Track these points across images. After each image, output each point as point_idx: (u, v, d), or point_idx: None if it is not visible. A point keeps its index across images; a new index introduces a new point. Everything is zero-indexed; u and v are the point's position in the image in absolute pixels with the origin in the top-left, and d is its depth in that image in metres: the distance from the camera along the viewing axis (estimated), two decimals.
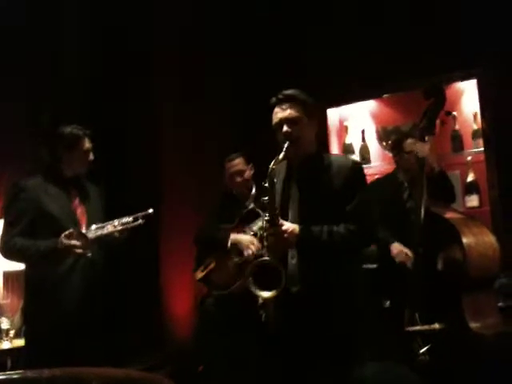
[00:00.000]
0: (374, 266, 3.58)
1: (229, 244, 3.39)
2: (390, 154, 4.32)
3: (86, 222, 3.02)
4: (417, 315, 2.91)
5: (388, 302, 3.57)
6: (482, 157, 3.92)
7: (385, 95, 4.39)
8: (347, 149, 4.59)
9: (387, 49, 4.12)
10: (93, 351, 2.84)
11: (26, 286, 3.03)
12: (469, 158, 4.06)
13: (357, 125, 4.62)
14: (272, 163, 2.38)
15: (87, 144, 3.08)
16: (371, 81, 4.17)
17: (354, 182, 2.47)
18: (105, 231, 2.93)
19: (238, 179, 3.60)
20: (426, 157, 3.09)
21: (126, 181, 4.46)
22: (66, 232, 2.81)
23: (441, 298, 2.90)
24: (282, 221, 2.37)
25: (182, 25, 4.79)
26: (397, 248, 3.27)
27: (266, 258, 2.31)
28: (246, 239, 3.34)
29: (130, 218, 2.97)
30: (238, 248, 3.37)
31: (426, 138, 3.13)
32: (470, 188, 4.04)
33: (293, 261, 2.44)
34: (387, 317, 3.36)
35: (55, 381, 1.57)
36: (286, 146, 2.42)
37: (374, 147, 4.53)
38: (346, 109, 4.65)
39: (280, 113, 2.50)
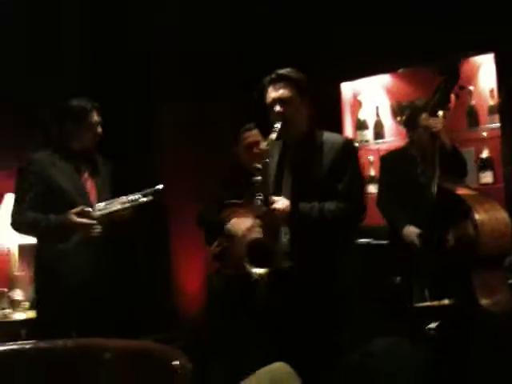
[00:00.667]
0: (384, 242, 3.58)
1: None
2: (405, 130, 4.30)
3: (96, 195, 3.00)
4: (426, 291, 2.90)
5: (398, 279, 3.57)
6: (498, 133, 3.86)
7: (400, 70, 4.33)
8: (361, 124, 4.55)
9: (402, 23, 4.03)
10: (104, 324, 2.85)
11: (36, 258, 3.04)
12: (484, 134, 4.00)
13: (371, 100, 4.56)
14: (265, 143, 2.42)
15: (95, 117, 3.02)
16: (386, 55, 4.09)
17: (345, 160, 2.48)
18: (112, 208, 2.90)
19: (256, 150, 3.55)
20: (438, 132, 3.06)
21: (129, 159, 4.44)
22: (77, 209, 2.80)
23: (450, 274, 2.88)
24: (274, 197, 2.40)
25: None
26: (408, 229, 3.28)
27: (259, 236, 2.39)
28: (243, 227, 3.34)
29: (139, 195, 2.94)
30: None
31: (441, 113, 3.10)
32: (485, 164, 3.98)
33: (285, 237, 2.48)
34: (397, 293, 3.36)
35: (68, 351, 1.60)
36: (278, 126, 2.44)
37: (388, 123, 4.49)
38: (360, 83, 4.59)
39: (273, 92, 2.50)
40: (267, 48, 4.53)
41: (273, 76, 2.52)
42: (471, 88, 3.98)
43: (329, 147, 2.49)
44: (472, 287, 2.82)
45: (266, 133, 3.55)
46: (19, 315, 3.67)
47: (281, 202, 2.39)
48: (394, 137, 4.44)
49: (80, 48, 4.39)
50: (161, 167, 4.69)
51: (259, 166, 2.38)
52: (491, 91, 3.96)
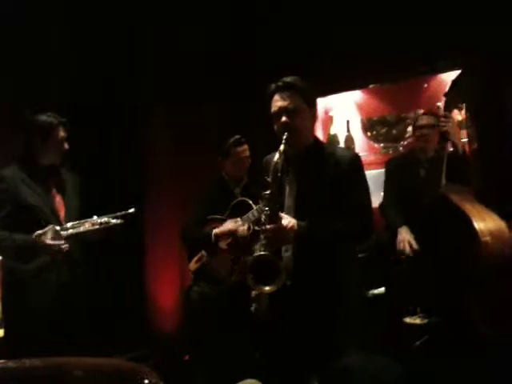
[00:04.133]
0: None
1: (212, 239, 3.38)
2: (375, 145, 4.37)
3: (64, 212, 2.98)
4: (418, 309, 2.88)
5: (383, 289, 3.55)
6: (466, 147, 3.93)
7: (370, 85, 4.40)
8: (332, 139, 4.60)
9: (374, 40, 4.11)
10: (76, 343, 2.81)
11: (3, 276, 2.99)
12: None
13: (342, 115, 4.62)
14: (276, 157, 2.27)
15: (62, 133, 2.99)
16: (357, 71, 4.16)
17: (352, 175, 2.37)
18: (81, 229, 2.87)
19: (247, 164, 3.56)
20: (449, 132, 2.98)
21: (108, 172, 4.41)
22: (41, 231, 2.76)
23: (445, 289, 2.80)
24: (281, 214, 2.30)
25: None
26: (402, 235, 3.25)
27: (263, 252, 2.26)
28: (228, 226, 3.35)
29: (110, 218, 2.92)
30: (225, 238, 3.37)
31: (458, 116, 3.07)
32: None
33: (287, 254, 2.40)
34: (380, 306, 3.34)
35: (36, 370, 1.57)
36: (285, 137, 2.31)
37: (359, 138, 4.54)
38: (331, 99, 4.65)
39: (280, 101, 2.36)
40: (242, 67, 4.56)
41: (279, 84, 2.38)
42: (439, 104, 4.05)
43: (335, 161, 2.37)
44: (465, 304, 2.74)
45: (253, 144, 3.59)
46: None
47: (289, 220, 2.28)
48: (364, 151, 4.49)
49: (67, 50, 4.33)
50: (138, 180, 4.67)
51: (269, 179, 2.28)
52: (459, 108, 4.04)
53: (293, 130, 2.34)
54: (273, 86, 2.40)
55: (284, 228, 2.26)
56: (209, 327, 3.48)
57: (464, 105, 3.87)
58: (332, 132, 4.61)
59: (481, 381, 2.59)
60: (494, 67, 3.73)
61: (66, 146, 3.02)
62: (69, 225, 2.86)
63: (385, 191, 3.65)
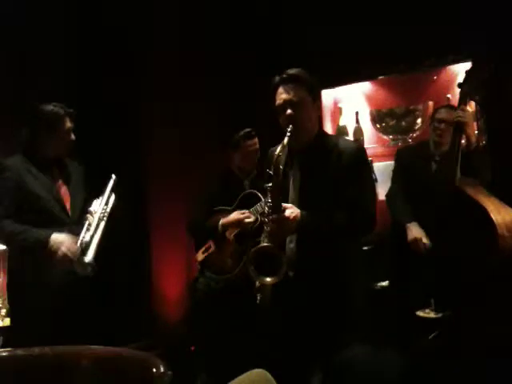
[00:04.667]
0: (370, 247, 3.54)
1: (220, 229, 3.38)
2: (384, 137, 4.34)
3: (70, 202, 2.98)
4: (432, 301, 2.84)
5: (386, 282, 3.53)
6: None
7: (380, 77, 4.37)
8: (341, 131, 4.57)
9: (383, 31, 4.07)
10: (82, 332, 2.82)
11: (9, 265, 3.01)
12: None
13: (351, 107, 4.59)
14: (278, 150, 2.27)
15: (68, 123, 2.97)
16: (366, 62, 4.13)
17: (356, 167, 2.37)
18: (95, 243, 2.78)
19: (256, 157, 3.57)
20: (464, 124, 2.92)
21: (111, 162, 4.42)
22: (58, 234, 2.76)
23: (459, 284, 2.76)
24: (284, 205, 2.31)
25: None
26: (413, 232, 3.21)
27: (266, 243, 2.27)
28: (235, 216, 3.35)
29: (104, 206, 2.92)
30: (232, 228, 3.38)
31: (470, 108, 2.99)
32: None
33: (291, 245, 2.41)
34: (388, 299, 3.31)
35: (45, 359, 1.58)
36: (289, 129, 2.32)
37: (368, 129, 4.52)
38: (340, 90, 4.62)
39: (284, 94, 2.37)
40: (247, 54, 4.54)
41: (284, 76, 2.39)
42: (449, 96, 4.02)
43: (340, 152, 2.38)
44: (483, 302, 2.70)
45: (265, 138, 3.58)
46: None
47: (291, 211, 2.29)
48: (373, 143, 4.47)
49: (66, 47, 4.38)
50: (144, 172, 4.67)
51: (271, 172, 2.28)
52: (476, 99, 4.00)
53: (297, 122, 2.34)
54: (277, 78, 2.40)
55: (287, 218, 2.26)
56: (214, 318, 3.49)
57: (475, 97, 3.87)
58: (341, 123, 4.59)
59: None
60: (504, 59, 3.69)
61: (73, 136, 3.00)
62: (89, 255, 2.72)
63: (393, 181, 3.61)
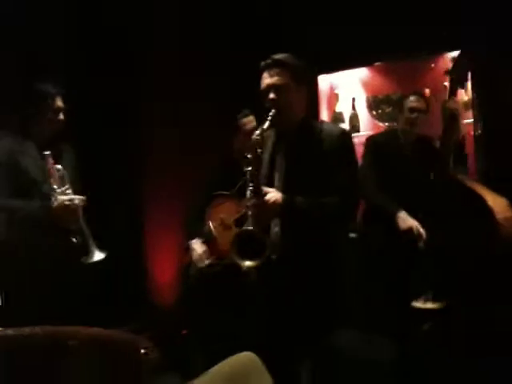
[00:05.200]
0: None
1: (213, 232, 3.39)
2: (380, 124, 4.33)
3: (59, 183, 2.93)
4: (430, 292, 2.81)
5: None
6: (471, 128, 3.90)
7: (376, 63, 4.35)
8: (337, 117, 4.56)
9: (380, 17, 4.05)
10: (74, 314, 2.82)
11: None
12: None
13: (347, 93, 4.58)
14: (256, 132, 2.30)
15: (59, 102, 2.96)
16: (363, 48, 4.12)
17: (342, 152, 2.39)
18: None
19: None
20: (459, 114, 2.95)
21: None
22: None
23: (454, 272, 2.77)
24: (266, 189, 2.32)
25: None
26: (406, 221, 3.16)
27: (250, 227, 2.28)
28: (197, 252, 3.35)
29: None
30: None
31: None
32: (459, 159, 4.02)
33: (275, 229, 2.42)
34: (388, 289, 3.27)
35: (35, 339, 1.58)
36: (271, 114, 2.33)
37: (364, 116, 4.51)
38: (337, 76, 4.60)
39: (267, 78, 2.40)
40: (241, 42, 4.51)
41: (268, 61, 2.41)
42: (446, 84, 4.00)
43: (324, 137, 2.39)
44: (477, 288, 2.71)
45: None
46: None
47: (272, 194, 2.30)
48: (369, 130, 4.45)
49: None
50: (138, 160, 4.67)
51: (250, 156, 2.30)
52: (465, 87, 3.99)
53: (281, 107, 2.35)
54: (262, 63, 2.41)
55: (267, 202, 2.26)
56: (206, 303, 3.50)
57: (469, 84, 3.86)
58: (337, 110, 4.57)
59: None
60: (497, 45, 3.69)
61: (61, 116, 2.98)
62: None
63: (367, 173, 3.41)
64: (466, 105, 4.00)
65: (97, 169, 3.35)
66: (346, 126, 4.52)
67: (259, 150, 2.33)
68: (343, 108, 4.57)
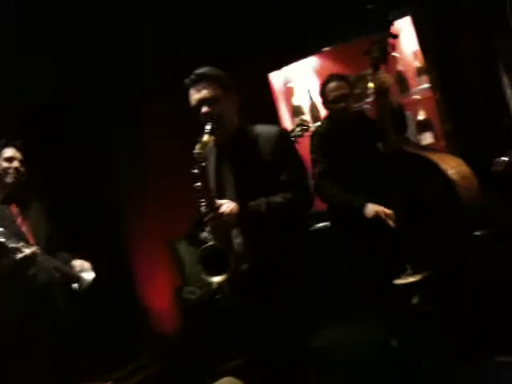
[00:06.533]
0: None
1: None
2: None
3: (33, 238, 2.95)
4: (408, 267, 2.80)
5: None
6: (429, 93, 3.92)
7: (324, 49, 4.35)
8: (296, 110, 4.54)
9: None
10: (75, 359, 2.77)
11: None
12: (417, 97, 4.05)
13: (302, 85, 4.56)
14: (197, 147, 2.30)
15: (8, 153, 2.98)
16: (308, 37, 4.11)
17: (283, 151, 2.43)
18: None
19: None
20: (389, 87, 2.97)
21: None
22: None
23: (430, 240, 2.77)
24: (219, 201, 2.32)
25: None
26: (371, 208, 3.11)
27: (211, 242, 2.28)
28: None
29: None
30: None
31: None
32: (423, 126, 4.03)
33: (237, 240, 2.43)
34: (369, 273, 3.25)
35: None
36: (208, 126, 2.35)
37: None
38: (288, 70, 4.58)
39: (196, 94, 2.43)
40: (187, 46, 4.49)
41: (192, 77, 2.45)
42: (397, 54, 4.02)
43: (264, 140, 2.43)
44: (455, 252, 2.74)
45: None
46: None
47: (227, 205, 2.31)
48: None
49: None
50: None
51: (195, 171, 2.30)
52: (415, 53, 4.02)
53: (215, 118, 2.38)
54: (187, 80, 2.45)
55: (222, 214, 2.28)
56: (199, 325, 3.47)
57: (420, 50, 3.88)
58: (295, 103, 4.56)
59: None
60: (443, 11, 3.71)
61: (16, 164, 2.98)
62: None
63: (319, 169, 3.40)
64: (419, 70, 4.02)
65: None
66: (306, 117, 4.50)
67: (203, 164, 2.33)
68: (300, 100, 4.55)
